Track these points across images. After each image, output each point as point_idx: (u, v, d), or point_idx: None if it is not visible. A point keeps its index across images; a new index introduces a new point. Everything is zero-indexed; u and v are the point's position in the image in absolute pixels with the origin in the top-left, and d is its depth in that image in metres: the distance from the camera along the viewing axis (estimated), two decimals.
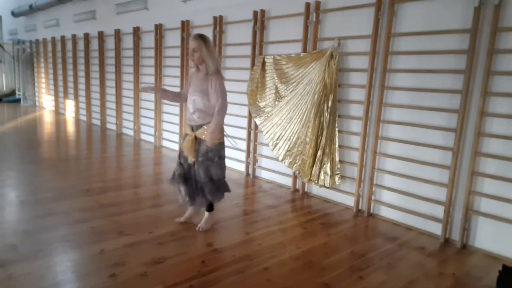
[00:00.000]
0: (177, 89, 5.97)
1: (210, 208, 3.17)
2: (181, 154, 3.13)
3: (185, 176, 3.11)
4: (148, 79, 6.71)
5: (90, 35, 8.38)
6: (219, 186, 3.08)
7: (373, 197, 3.73)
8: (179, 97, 3.35)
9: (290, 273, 2.55)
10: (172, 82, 6.19)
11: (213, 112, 2.90)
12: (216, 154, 2.99)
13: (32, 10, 10.68)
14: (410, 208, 3.45)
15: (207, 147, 2.94)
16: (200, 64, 2.92)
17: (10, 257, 2.54)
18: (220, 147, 3.02)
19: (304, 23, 4.08)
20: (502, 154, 2.90)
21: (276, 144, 4.41)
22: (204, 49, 2.84)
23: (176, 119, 6.14)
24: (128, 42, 7.20)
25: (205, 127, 2.94)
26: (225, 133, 3.11)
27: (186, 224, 3.26)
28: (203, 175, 2.99)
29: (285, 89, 4.29)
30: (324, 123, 3.91)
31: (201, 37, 2.87)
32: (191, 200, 3.15)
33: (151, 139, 6.84)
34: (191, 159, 3.01)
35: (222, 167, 3.08)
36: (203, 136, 2.93)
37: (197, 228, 3.12)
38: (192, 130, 3.00)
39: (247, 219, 3.46)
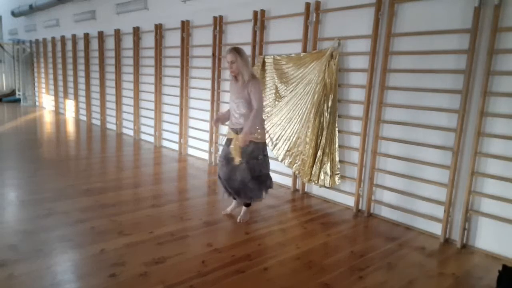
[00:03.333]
0: (177, 90, 6.01)
1: (247, 205, 3.43)
2: (224, 156, 3.31)
3: (229, 176, 3.29)
4: (148, 79, 6.71)
5: (90, 35, 8.38)
6: (262, 182, 3.33)
7: (373, 197, 3.73)
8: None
9: (290, 273, 2.55)
10: (172, 82, 6.19)
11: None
12: (260, 152, 3.26)
13: (32, 10, 10.68)
14: (410, 208, 3.45)
15: (252, 148, 3.18)
16: (237, 74, 3.16)
17: (10, 257, 2.54)
18: (264, 146, 3.30)
19: (304, 23, 4.08)
20: (502, 154, 2.90)
21: (276, 144, 4.41)
22: (239, 60, 3.09)
23: (176, 119, 6.14)
24: (128, 42, 7.20)
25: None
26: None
27: (187, 224, 3.26)
28: (248, 174, 3.20)
29: (285, 89, 4.29)
30: (324, 123, 3.91)
31: (236, 50, 3.12)
32: (235, 195, 3.35)
33: (151, 139, 6.84)
34: (238, 160, 3.19)
35: (267, 163, 3.35)
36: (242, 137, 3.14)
37: (238, 220, 3.37)
38: (237, 133, 3.23)
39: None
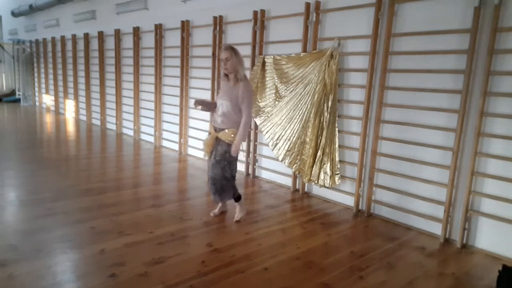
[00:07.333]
0: (177, 90, 6.01)
1: (236, 199, 3.40)
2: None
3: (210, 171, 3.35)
4: (148, 79, 6.71)
5: (90, 35, 8.38)
6: (231, 185, 3.33)
7: (373, 197, 3.73)
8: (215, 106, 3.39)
9: (290, 273, 2.55)
10: (172, 82, 6.19)
11: (236, 119, 3.15)
12: (230, 156, 3.22)
13: (32, 10, 10.68)
14: (410, 208, 3.45)
15: (225, 149, 3.19)
16: (231, 72, 3.13)
17: (10, 257, 2.54)
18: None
19: (304, 23, 4.08)
20: (502, 154, 2.90)
21: (276, 144, 4.41)
22: (234, 58, 3.08)
23: (176, 119, 6.14)
24: (128, 42, 7.20)
25: (226, 131, 3.18)
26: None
27: (187, 224, 3.26)
28: (218, 173, 3.24)
29: (285, 89, 4.29)
30: (324, 123, 3.91)
31: (231, 48, 3.11)
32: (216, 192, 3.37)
33: (151, 139, 6.84)
34: (205, 155, 3.33)
35: (233, 168, 3.31)
36: (224, 138, 3.18)
37: (234, 221, 3.37)
38: (215, 131, 3.25)
39: (247, 219, 3.46)
